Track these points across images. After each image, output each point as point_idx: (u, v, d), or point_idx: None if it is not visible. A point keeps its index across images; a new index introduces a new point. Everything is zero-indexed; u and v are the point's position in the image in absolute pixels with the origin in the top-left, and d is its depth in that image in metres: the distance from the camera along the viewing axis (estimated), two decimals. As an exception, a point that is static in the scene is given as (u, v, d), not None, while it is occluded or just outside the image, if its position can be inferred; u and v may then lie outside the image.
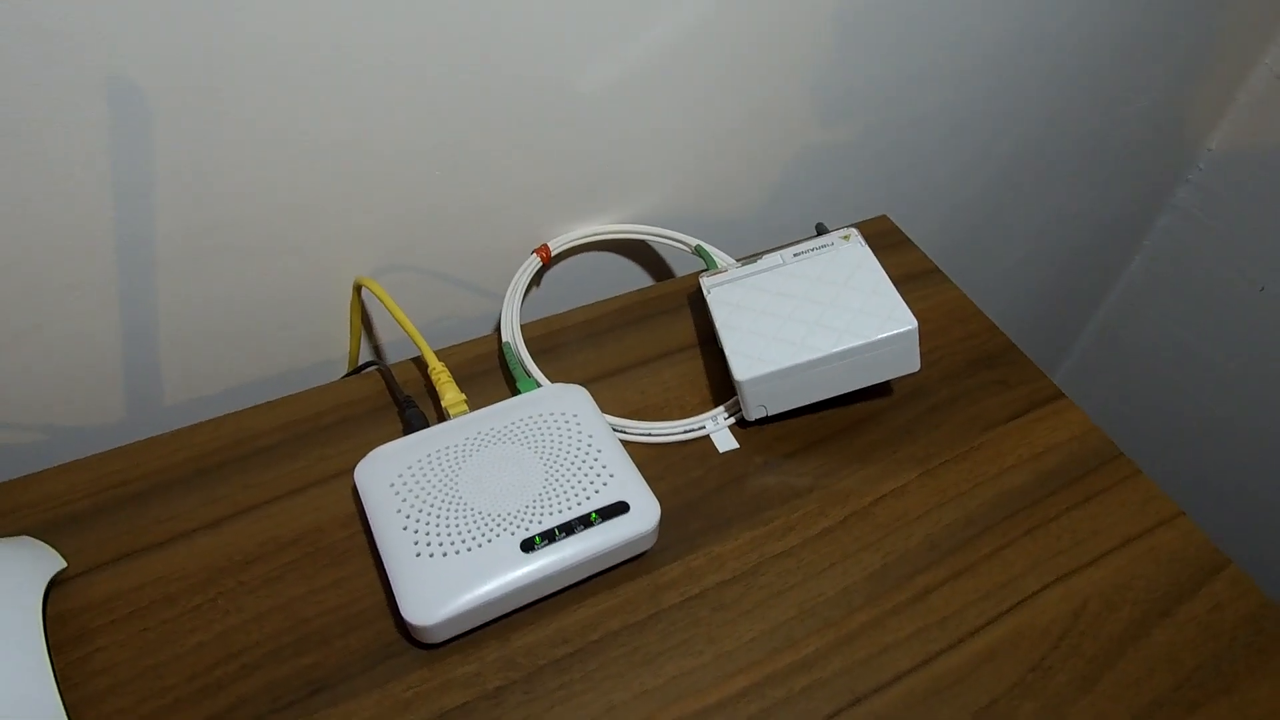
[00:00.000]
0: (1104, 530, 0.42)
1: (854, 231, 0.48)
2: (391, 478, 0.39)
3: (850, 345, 0.42)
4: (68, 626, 0.37)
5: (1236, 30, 0.74)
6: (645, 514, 0.38)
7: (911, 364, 0.44)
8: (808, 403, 0.44)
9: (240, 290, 0.48)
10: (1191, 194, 0.89)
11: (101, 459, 0.43)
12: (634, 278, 0.62)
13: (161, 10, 0.36)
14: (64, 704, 0.33)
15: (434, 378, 0.44)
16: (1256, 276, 0.85)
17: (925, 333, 0.52)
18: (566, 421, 0.41)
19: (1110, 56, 0.70)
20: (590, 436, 0.41)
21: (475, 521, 0.37)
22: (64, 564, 0.38)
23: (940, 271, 0.56)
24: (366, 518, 0.39)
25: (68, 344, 0.45)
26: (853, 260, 0.46)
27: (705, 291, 0.48)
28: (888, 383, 0.49)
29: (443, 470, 0.39)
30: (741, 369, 0.43)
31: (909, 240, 0.58)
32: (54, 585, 0.38)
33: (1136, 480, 0.45)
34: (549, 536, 0.37)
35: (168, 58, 0.37)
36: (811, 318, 0.44)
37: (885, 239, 0.58)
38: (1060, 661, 0.38)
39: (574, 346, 0.50)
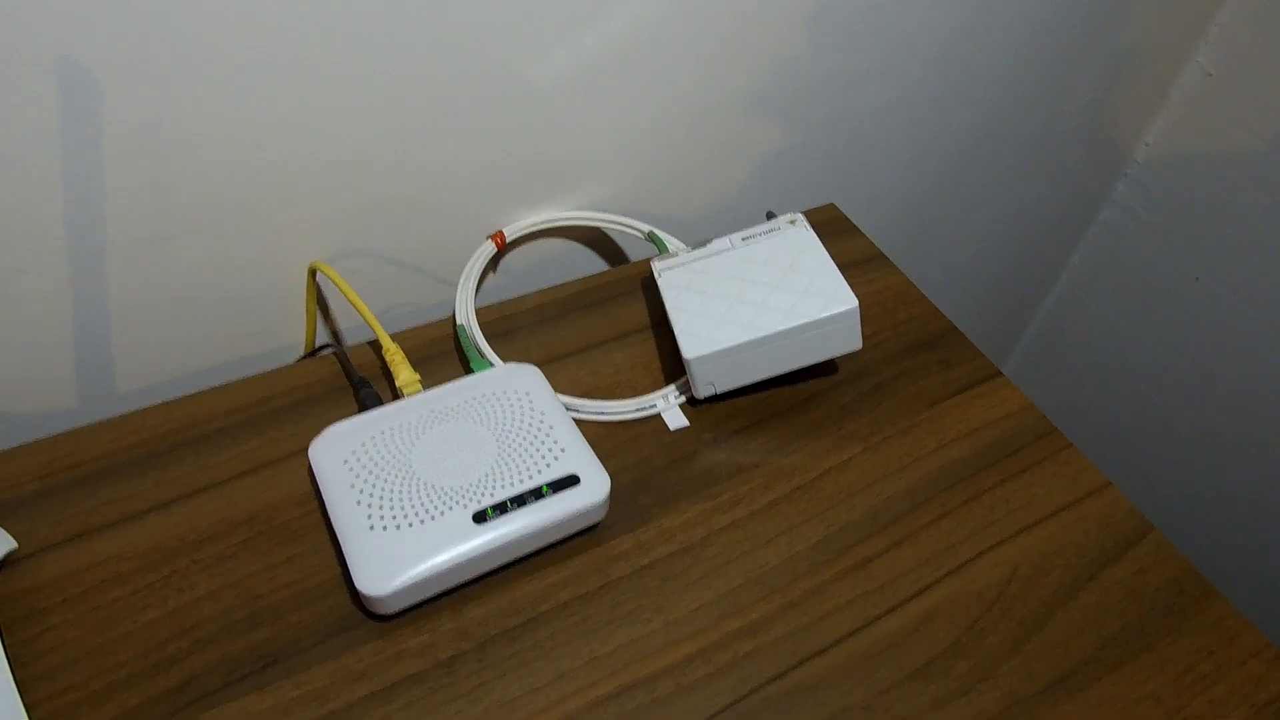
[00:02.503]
0: (1036, 500, 0.44)
1: (800, 217, 0.49)
2: (345, 454, 0.39)
3: (794, 324, 0.44)
4: (18, 606, 0.37)
5: (1168, 29, 0.78)
6: (595, 487, 0.39)
7: (853, 343, 0.45)
8: (754, 380, 0.46)
9: (195, 275, 0.48)
10: (1130, 188, 0.92)
11: (52, 442, 0.43)
12: (589, 263, 0.62)
13: (111, -9, 0.36)
14: (15, 680, 0.33)
15: (388, 359, 0.45)
16: (1191, 268, 0.89)
17: (869, 315, 0.53)
18: (519, 399, 0.42)
19: (1048, 55, 0.72)
20: (542, 413, 0.42)
21: (428, 495, 0.38)
22: (14, 545, 0.38)
23: (885, 257, 0.57)
24: (321, 495, 0.40)
25: (18, 329, 0.45)
26: (798, 244, 0.48)
27: (656, 275, 0.49)
28: (833, 362, 0.50)
29: (396, 446, 0.40)
30: (690, 348, 0.44)
31: (856, 228, 0.60)
32: (3, 566, 0.38)
33: (1068, 453, 0.47)
34: (500, 509, 0.38)
35: (119, 39, 0.38)
36: (758, 299, 0.45)
37: (832, 226, 0.60)
38: (993, 623, 0.40)
39: (528, 330, 0.51)
